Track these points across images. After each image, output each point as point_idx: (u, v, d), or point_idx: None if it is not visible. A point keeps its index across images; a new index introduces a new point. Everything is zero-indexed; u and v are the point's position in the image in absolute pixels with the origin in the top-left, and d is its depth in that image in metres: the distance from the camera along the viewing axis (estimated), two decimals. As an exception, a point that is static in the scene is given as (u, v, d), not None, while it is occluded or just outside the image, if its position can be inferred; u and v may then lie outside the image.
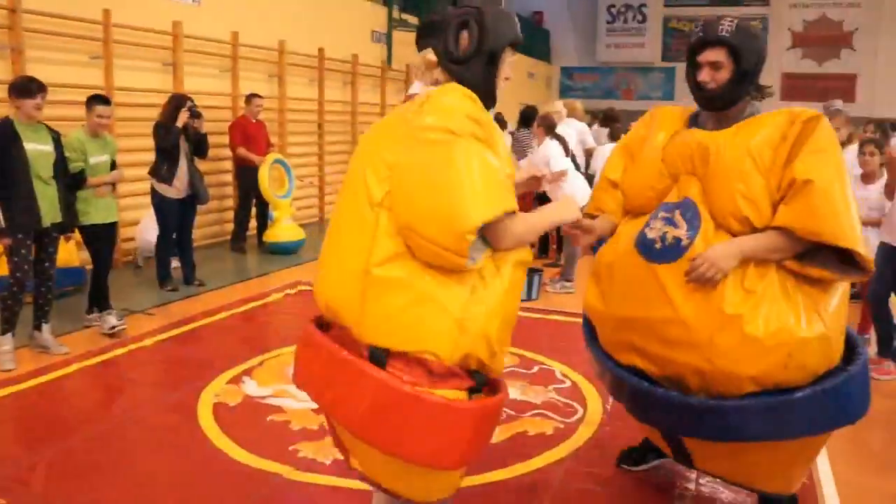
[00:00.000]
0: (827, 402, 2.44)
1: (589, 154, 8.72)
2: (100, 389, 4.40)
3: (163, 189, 6.39)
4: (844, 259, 2.43)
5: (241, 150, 8.17)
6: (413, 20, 13.15)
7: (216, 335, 5.49)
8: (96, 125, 5.26)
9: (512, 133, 8.86)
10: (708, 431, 2.54)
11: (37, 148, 4.64)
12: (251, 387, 4.37)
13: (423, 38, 2.20)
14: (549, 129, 7.05)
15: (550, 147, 6.88)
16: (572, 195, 5.85)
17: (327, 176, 11.14)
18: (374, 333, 2.00)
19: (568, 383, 4.52)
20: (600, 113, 10.68)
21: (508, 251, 2.08)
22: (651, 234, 2.58)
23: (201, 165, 6.92)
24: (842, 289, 2.53)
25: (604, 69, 22.54)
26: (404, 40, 13.03)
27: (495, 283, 2.06)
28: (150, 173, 6.46)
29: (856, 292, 6.46)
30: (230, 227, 8.76)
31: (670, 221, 2.55)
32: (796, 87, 19.97)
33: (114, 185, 5.46)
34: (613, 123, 9.26)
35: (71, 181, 5.00)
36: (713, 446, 2.65)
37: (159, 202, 6.45)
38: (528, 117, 8.42)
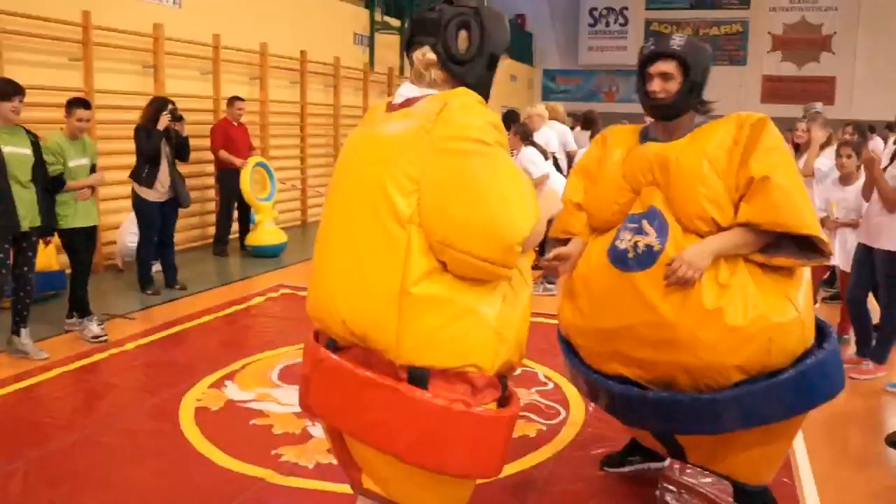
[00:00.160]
0: (810, 380, 2.56)
1: (571, 156, 8.78)
2: (80, 395, 4.36)
3: (144, 192, 6.35)
4: (803, 246, 2.58)
5: (223, 154, 8.14)
6: (395, 23, 13.14)
7: (198, 339, 5.45)
8: (76, 129, 5.23)
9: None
10: (702, 426, 2.63)
11: (14, 151, 4.59)
12: (233, 391, 4.35)
13: (417, 36, 2.11)
14: (525, 136, 7.10)
15: (528, 154, 6.93)
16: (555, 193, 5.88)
17: (310, 179, 11.12)
18: (414, 354, 1.93)
19: (551, 385, 4.53)
20: (581, 115, 10.75)
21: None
22: (622, 245, 2.67)
23: (183, 168, 6.89)
24: (806, 275, 2.68)
25: (586, 72, 22.63)
26: (387, 43, 13.04)
27: (521, 289, 2.08)
28: (131, 176, 6.43)
29: (835, 293, 6.55)
30: (212, 230, 8.72)
31: (639, 231, 2.65)
32: (777, 90, 20.17)
33: (93, 188, 5.41)
34: (593, 126, 9.32)
35: (50, 185, 4.96)
36: (706, 440, 2.73)
37: (140, 205, 6.41)
38: (508, 120, 8.45)
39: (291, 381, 4.48)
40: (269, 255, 8.35)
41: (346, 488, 3.18)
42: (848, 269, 5.17)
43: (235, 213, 8.56)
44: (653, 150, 2.71)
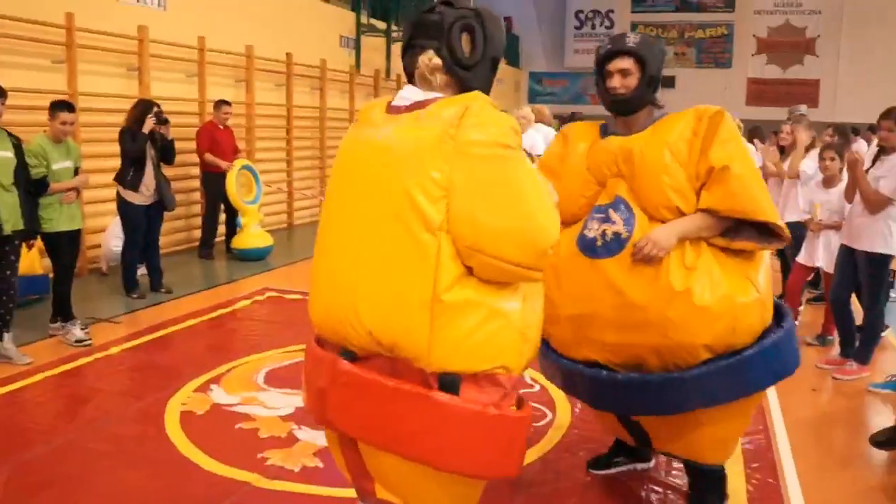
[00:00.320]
0: (772, 357, 2.71)
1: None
2: (64, 400, 4.33)
3: (129, 195, 6.32)
4: (762, 231, 2.74)
5: (209, 157, 8.10)
6: (381, 25, 13.14)
7: (183, 343, 5.42)
8: (60, 132, 5.19)
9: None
10: (671, 405, 2.73)
11: (-4, 154, 4.56)
12: (219, 395, 4.33)
13: (418, 39, 2.08)
14: None
15: None
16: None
17: (295, 182, 11.09)
18: (445, 360, 1.93)
19: (537, 388, 4.53)
20: (568, 118, 10.79)
21: None
22: (591, 234, 2.78)
23: (168, 171, 6.85)
24: (765, 258, 2.81)
25: (572, 74, 22.70)
26: (373, 45, 13.03)
27: (538, 288, 2.13)
28: (115, 179, 6.39)
29: (820, 294, 6.59)
30: (198, 233, 8.68)
31: (606, 220, 2.76)
32: (762, 92, 20.32)
33: (78, 190, 5.38)
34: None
35: (33, 188, 4.92)
36: (670, 424, 2.85)
37: (125, 209, 6.38)
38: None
39: (277, 385, 4.47)
40: (255, 258, 8.32)
41: (331, 492, 3.19)
42: (832, 270, 5.21)
43: (222, 216, 8.52)
44: (616, 143, 2.81)
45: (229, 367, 4.79)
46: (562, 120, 11.55)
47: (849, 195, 4.95)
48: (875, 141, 5.17)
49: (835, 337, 5.41)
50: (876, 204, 4.66)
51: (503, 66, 20.34)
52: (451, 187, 1.90)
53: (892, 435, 3.67)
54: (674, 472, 3.45)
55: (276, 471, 3.40)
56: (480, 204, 1.90)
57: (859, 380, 4.83)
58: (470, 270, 1.94)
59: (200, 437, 3.75)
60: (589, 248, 2.75)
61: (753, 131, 9.96)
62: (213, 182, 8.20)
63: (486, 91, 2.11)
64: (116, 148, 6.37)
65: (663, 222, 2.67)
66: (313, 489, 3.23)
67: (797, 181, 6.09)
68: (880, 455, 3.74)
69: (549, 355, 2.96)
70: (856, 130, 12.49)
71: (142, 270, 6.72)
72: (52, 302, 5.40)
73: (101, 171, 6.88)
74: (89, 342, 5.17)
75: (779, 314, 2.87)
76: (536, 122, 8.89)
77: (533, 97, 22.07)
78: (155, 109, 6.39)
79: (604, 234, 2.73)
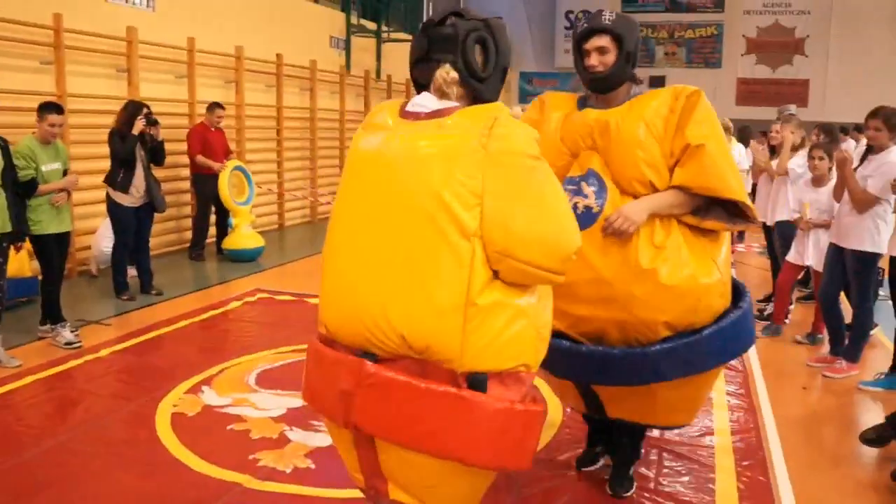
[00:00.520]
0: (729, 335, 2.80)
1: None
2: (54, 402, 4.30)
3: (119, 197, 6.29)
4: (732, 213, 2.82)
5: (201, 158, 8.07)
6: (371, 26, 13.14)
7: (174, 344, 5.40)
8: (48, 133, 5.15)
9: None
10: (631, 378, 2.79)
11: (-16, 156, 4.53)
12: (210, 396, 4.32)
13: (435, 53, 2.13)
14: None
15: None
16: None
17: (286, 183, 11.07)
18: (476, 361, 2.01)
19: (529, 387, 4.53)
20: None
21: None
22: None
23: (158, 173, 6.83)
24: (727, 241, 2.90)
25: (562, 74, 22.70)
26: (363, 46, 13.02)
27: (548, 289, 2.21)
28: (105, 181, 6.36)
29: (809, 293, 6.62)
30: (188, 234, 8.65)
31: (578, 192, 2.80)
32: (751, 92, 20.37)
33: (68, 192, 5.35)
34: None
35: (22, 189, 4.89)
36: (624, 392, 2.91)
37: (115, 210, 6.35)
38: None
39: (269, 386, 4.46)
40: (247, 259, 8.30)
41: (323, 493, 3.19)
42: (822, 269, 5.24)
43: (213, 217, 8.50)
44: (593, 115, 2.84)
45: (220, 369, 4.78)
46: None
47: (837, 194, 4.97)
48: (863, 140, 5.21)
49: (825, 335, 5.43)
50: (864, 203, 4.69)
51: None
52: (486, 194, 1.98)
53: (881, 432, 3.69)
54: (664, 471, 3.46)
55: (268, 472, 3.40)
56: (512, 210, 1.98)
57: (849, 378, 4.85)
58: (496, 274, 2.02)
59: (191, 438, 3.74)
60: None
61: (743, 131, 10.00)
62: (204, 183, 8.18)
63: (496, 99, 2.18)
64: (106, 149, 6.35)
65: (635, 197, 2.72)
66: (305, 490, 3.22)
67: (787, 181, 6.12)
68: (870, 452, 3.76)
69: None
70: (845, 130, 12.55)
71: (132, 272, 6.70)
72: (42, 304, 5.37)
73: (91, 173, 6.85)
74: (79, 344, 5.15)
75: (737, 292, 2.95)
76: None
77: (523, 97, 22.07)
78: (145, 111, 6.37)
79: (575, 206, 2.74)
